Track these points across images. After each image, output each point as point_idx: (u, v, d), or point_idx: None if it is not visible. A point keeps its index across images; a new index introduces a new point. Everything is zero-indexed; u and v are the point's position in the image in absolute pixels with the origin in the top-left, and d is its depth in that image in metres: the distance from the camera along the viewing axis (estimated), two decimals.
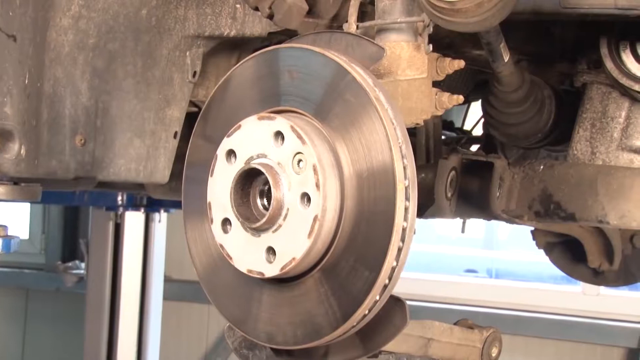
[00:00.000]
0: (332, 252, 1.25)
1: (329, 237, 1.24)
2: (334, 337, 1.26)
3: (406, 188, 1.21)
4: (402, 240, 1.21)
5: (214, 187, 1.32)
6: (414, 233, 1.28)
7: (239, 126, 1.31)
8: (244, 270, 1.28)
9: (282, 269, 1.24)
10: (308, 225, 1.22)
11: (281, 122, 1.27)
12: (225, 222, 1.31)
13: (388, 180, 1.21)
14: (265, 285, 1.31)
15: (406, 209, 1.21)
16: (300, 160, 1.24)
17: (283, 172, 1.25)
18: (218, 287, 1.38)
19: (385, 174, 1.22)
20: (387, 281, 1.22)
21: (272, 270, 1.25)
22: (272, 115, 1.29)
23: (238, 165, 1.30)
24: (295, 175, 1.24)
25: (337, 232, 1.24)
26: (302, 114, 1.30)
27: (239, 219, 1.29)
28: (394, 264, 1.21)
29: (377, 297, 1.23)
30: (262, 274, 1.26)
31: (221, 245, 1.31)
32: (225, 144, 1.31)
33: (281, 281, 1.29)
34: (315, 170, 1.22)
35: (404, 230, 1.21)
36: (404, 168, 1.22)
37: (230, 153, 1.31)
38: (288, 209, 1.24)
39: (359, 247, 1.23)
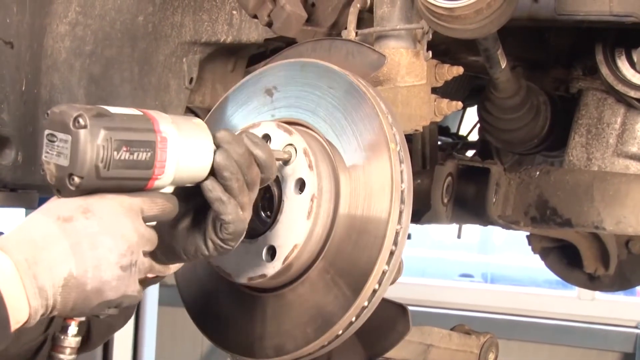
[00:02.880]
0: (332, 236, 1.24)
1: (328, 219, 1.23)
2: (346, 323, 1.23)
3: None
4: (403, 202, 1.22)
5: None
6: (409, 238, 1.28)
7: None
8: (245, 281, 1.26)
9: (284, 260, 1.22)
10: (306, 208, 1.21)
11: (266, 125, 1.28)
12: None
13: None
14: (268, 298, 1.30)
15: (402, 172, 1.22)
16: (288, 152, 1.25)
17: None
18: (216, 320, 1.35)
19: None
20: (393, 248, 1.21)
21: (274, 267, 1.24)
22: (255, 123, 1.30)
23: None
24: (287, 167, 1.25)
25: (336, 214, 1.24)
26: (295, 121, 1.31)
27: None
28: (398, 227, 1.21)
29: (385, 267, 1.21)
30: (264, 275, 1.24)
31: (218, 267, 1.29)
32: None
33: (284, 287, 1.28)
34: (306, 153, 1.23)
35: (402, 192, 1.22)
36: (401, 172, 1.23)
37: None
38: (283, 201, 1.24)
39: (360, 220, 1.23)
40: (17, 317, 0.98)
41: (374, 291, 1.22)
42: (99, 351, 4.80)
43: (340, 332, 1.24)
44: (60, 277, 1.00)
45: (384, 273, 1.22)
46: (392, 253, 1.21)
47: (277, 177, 1.26)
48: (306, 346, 1.25)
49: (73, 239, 1.01)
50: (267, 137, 1.28)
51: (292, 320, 1.27)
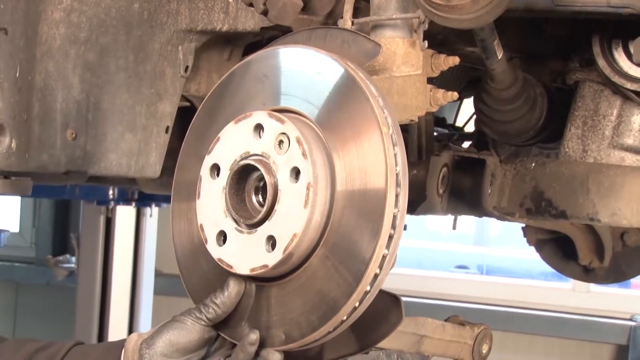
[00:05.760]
0: (331, 223, 1.23)
1: (325, 206, 1.23)
2: (349, 308, 1.23)
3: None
4: (398, 185, 1.22)
5: (202, 207, 1.31)
6: (405, 229, 1.28)
7: (218, 139, 1.31)
8: (247, 271, 1.26)
9: (285, 250, 1.22)
10: (302, 197, 1.21)
11: (258, 115, 1.27)
12: (220, 235, 1.29)
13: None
14: (272, 288, 1.30)
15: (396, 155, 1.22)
16: (281, 141, 1.25)
17: (269, 157, 1.25)
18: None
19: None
20: (392, 231, 1.21)
21: (275, 257, 1.23)
22: (247, 114, 1.29)
23: (224, 175, 1.29)
24: (281, 156, 1.24)
25: (333, 200, 1.23)
26: (286, 109, 1.30)
27: (235, 219, 1.28)
28: (395, 210, 1.21)
29: (385, 251, 1.21)
30: (266, 266, 1.24)
31: (220, 260, 1.29)
32: (208, 162, 1.31)
33: (286, 276, 1.28)
34: (299, 141, 1.22)
35: (397, 175, 1.21)
36: (395, 155, 1.22)
37: (214, 168, 1.31)
38: (280, 191, 1.24)
39: (357, 205, 1.22)
40: None
41: (376, 276, 1.22)
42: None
43: (345, 317, 1.24)
44: None
45: (384, 257, 1.21)
46: (390, 237, 1.21)
47: (271, 166, 1.25)
48: (312, 333, 1.25)
49: None
50: (259, 127, 1.27)
51: (296, 309, 1.27)
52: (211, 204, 1.30)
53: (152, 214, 4.89)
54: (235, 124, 1.30)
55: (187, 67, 1.89)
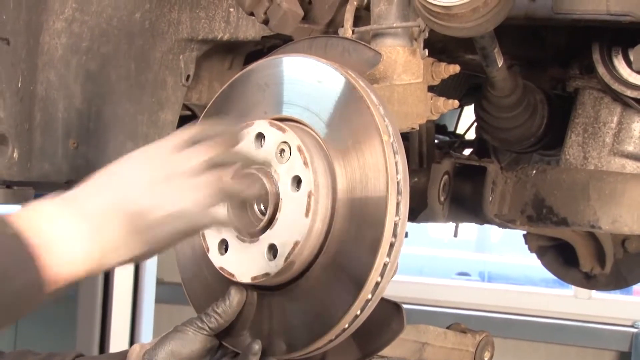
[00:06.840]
0: (332, 231, 1.24)
1: (327, 214, 1.23)
2: (351, 316, 1.23)
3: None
4: (399, 193, 1.22)
5: None
6: (406, 236, 1.28)
7: None
8: (249, 280, 1.26)
9: (286, 259, 1.22)
10: (304, 205, 1.22)
11: (260, 124, 1.28)
12: (222, 244, 1.30)
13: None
14: (274, 296, 1.30)
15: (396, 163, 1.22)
16: (282, 150, 1.25)
17: (270, 166, 1.26)
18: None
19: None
20: (393, 239, 1.22)
21: (277, 265, 1.24)
22: (249, 122, 1.30)
23: None
24: (282, 165, 1.25)
25: (334, 208, 1.24)
26: (287, 118, 1.31)
27: (236, 228, 1.28)
28: (396, 218, 1.21)
29: (387, 259, 1.21)
30: (267, 274, 1.24)
31: (221, 268, 1.29)
32: None
33: (288, 284, 1.28)
34: (300, 150, 1.23)
35: (398, 183, 1.22)
36: (396, 164, 1.23)
37: None
38: (281, 199, 1.24)
39: (358, 213, 1.23)
40: None
41: (377, 284, 1.22)
42: (95, 349, 4.80)
43: (347, 325, 1.24)
44: None
45: (385, 265, 1.22)
46: (392, 245, 1.21)
47: (272, 175, 1.26)
48: (314, 342, 1.25)
49: None
50: (261, 136, 1.28)
51: (298, 317, 1.27)
52: None
53: None
54: None
55: (188, 76, 1.90)
